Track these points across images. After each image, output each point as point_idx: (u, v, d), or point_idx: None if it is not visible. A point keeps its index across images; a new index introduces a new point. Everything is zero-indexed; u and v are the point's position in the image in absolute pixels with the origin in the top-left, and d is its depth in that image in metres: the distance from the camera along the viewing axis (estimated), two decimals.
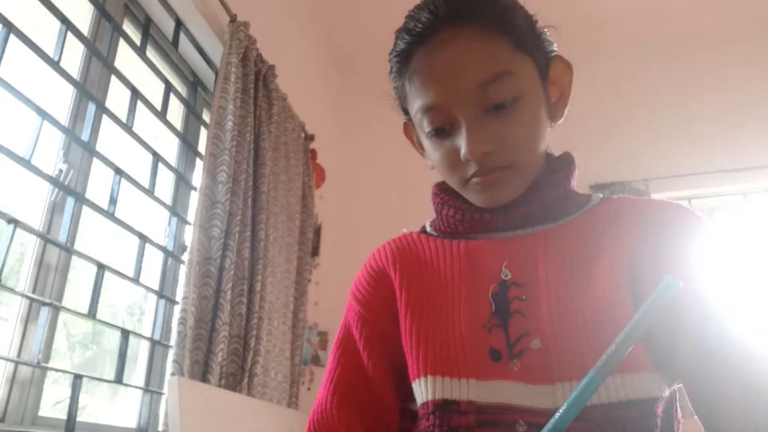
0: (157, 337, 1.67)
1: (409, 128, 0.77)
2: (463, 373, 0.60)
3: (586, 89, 3.15)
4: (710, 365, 0.56)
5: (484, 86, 0.61)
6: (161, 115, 1.76)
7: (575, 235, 0.66)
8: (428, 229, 0.78)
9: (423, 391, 0.62)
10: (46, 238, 1.29)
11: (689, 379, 0.58)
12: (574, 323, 0.59)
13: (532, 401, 0.57)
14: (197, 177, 1.88)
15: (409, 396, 0.67)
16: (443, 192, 0.74)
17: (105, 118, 1.52)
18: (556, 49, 0.69)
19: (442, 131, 0.64)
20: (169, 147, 1.89)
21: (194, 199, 1.76)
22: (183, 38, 1.90)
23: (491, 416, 0.58)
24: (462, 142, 0.62)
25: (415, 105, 0.65)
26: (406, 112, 0.72)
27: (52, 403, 1.32)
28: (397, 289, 0.71)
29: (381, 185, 3.05)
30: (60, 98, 1.43)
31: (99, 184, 1.49)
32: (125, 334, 1.48)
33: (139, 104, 1.65)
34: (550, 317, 0.60)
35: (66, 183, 1.37)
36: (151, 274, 1.71)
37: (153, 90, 1.75)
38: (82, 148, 1.43)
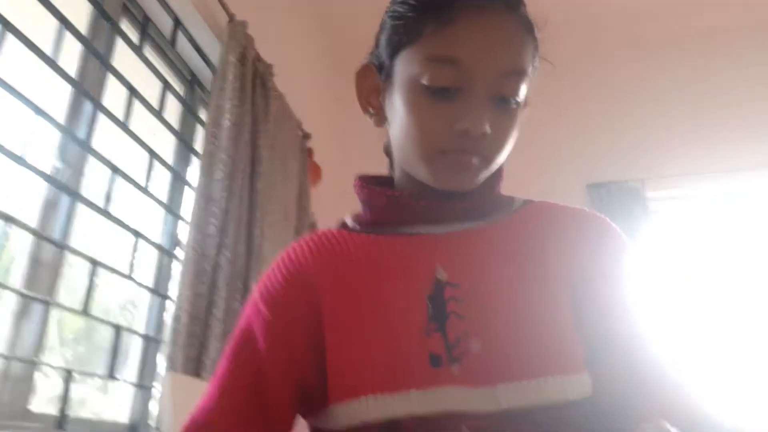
0: (150, 333, 1.69)
1: (369, 73, 0.70)
2: (403, 386, 0.57)
3: (584, 89, 3.15)
4: (630, 378, 0.59)
5: (511, 74, 0.61)
6: (158, 113, 1.77)
7: (509, 236, 0.66)
8: (350, 223, 0.72)
9: (360, 411, 0.57)
10: (40, 236, 1.30)
11: (606, 385, 0.60)
12: (514, 324, 0.59)
13: (474, 405, 0.56)
14: (193, 175, 1.89)
15: (317, 414, 0.63)
16: (370, 183, 0.70)
17: (101, 116, 1.53)
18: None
19: (443, 92, 0.60)
20: (166, 145, 1.90)
21: (190, 196, 1.78)
22: (181, 37, 1.91)
23: (432, 428, 0.56)
24: (468, 112, 0.59)
25: (429, 50, 0.60)
26: (394, 50, 0.65)
27: (46, 399, 1.33)
28: (321, 294, 0.64)
29: None
30: (57, 96, 1.45)
31: (94, 181, 1.50)
32: (118, 330, 1.50)
33: (136, 102, 1.66)
34: (489, 318, 0.60)
35: (61, 180, 1.38)
36: (146, 271, 1.72)
37: (150, 88, 1.76)
38: (78, 145, 1.44)
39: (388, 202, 0.66)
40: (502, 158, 0.64)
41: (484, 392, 0.56)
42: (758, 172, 2.74)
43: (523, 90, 0.62)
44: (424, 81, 0.60)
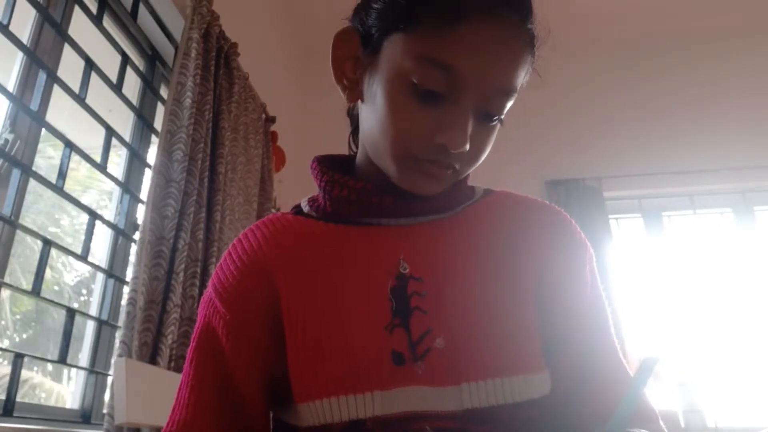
0: (104, 317, 1.62)
1: (351, 39, 0.62)
2: (366, 387, 0.55)
3: (545, 87, 3.20)
4: (591, 374, 0.61)
5: (502, 92, 0.57)
6: (116, 88, 1.70)
7: (472, 228, 0.63)
8: (306, 209, 0.67)
9: (323, 413, 0.55)
10: None
11: (564, 380, 0.60)
12: (479, 320, 0.57)
13: (437, 405, 0.55)
14: (152, 154, 1.83)
15: (285, 407, 0.61)
16: (330, 169, 0.65)
17: (56, 88, 1.46)
18: None
19: (430, 96, 0.55)
20: (124, 122, 1.82)
21: (148, 176, 1.71)
22: (142, 9, 1.83)
23: (395, 429, 0.54)
24: (452, 127, 0.55)
25: (426, 48, 0.54)
26: (386, 28, 0.57)
27: None
28: (278, 285, 0.60)
29: None
30: (8, 64, 1.36)
31: (48, 156, 1.43)
32: (71, 312, 1.43)
33: (93, 76, 1.59)
34: (453, 314, 0.57)
35: (12, 154, 1.31)
36: (100, 253, 1.65)
37: (108, 62, 1.68)
38: (30, 117, 1.37)
39: (349, 194, 0.62)
40: (470, 170, 0.62)
41: (447, 392, 0.55)
42: (709, 174, 2.86)
43: (506, 108, 0.58)
44: (414, 79, 0.55)
